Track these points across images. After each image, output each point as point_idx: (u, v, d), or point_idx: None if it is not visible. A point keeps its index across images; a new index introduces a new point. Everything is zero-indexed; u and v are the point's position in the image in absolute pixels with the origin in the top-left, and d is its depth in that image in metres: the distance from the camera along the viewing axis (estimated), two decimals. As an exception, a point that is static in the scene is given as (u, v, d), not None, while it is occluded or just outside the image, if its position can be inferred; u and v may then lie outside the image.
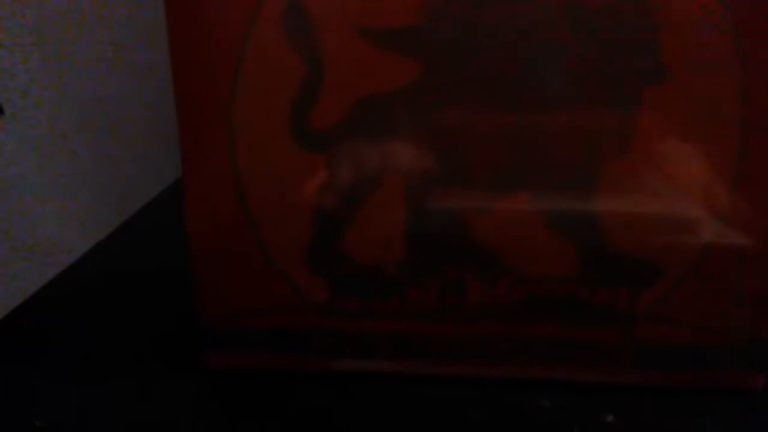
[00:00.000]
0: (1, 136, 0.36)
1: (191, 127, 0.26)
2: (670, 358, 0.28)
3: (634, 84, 0.25)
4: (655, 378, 0.28)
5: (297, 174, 0.27)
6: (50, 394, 0.29)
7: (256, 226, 0.27)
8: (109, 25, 0.46)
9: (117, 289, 0.38)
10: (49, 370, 0.31)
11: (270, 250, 0.28)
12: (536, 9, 0.24)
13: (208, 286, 0.29)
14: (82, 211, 0.44)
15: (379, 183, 0.26)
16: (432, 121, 0.26)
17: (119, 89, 0.47)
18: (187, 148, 0.27)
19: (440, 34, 0.25)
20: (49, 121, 0.40)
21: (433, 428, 0.27)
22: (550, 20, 0.24)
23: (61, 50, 0.41)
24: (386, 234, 0.27)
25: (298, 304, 0.29)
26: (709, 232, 0.26)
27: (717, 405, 0.28)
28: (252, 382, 0.30)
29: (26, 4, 0.38)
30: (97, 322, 0.35)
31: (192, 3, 0.25)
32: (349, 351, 0.29)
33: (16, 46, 0.38)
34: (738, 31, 0.24)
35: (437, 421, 0.27)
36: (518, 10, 0.24)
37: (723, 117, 0.25)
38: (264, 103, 0.26)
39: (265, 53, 0.25)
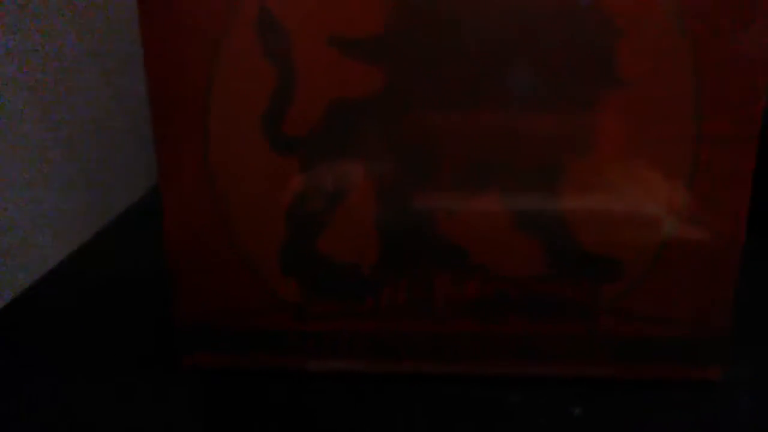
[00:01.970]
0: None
1: (166, 132, 0.27)
2: (633, 351, 0.29)
3: (592, 88, 0.26)
4: (619, 371, 0.29)
5: (271, 178, 0.27)
6: (31, 395, 0.30)
7: (231, 229, 0.28)
8: (90, 29, 0.46)
9: (95, 294, 0.38)
10: (30, 374, 0.31)
11: (245, 252, 0.28)
12: (498, 17, 0.25)
13: (185, 287, 0.29)
14: (58, 217, 0.44)
15: (351, 185, 0.27)
16: (401, 125, 0.27)
17: (96, 95, 0.48)
18: (162, 153, 0.27)
19: (406, 42, 0.25)
20: (26, 126, 0.40)
21: (406, 424, 0.28)
22: (512, 27, 0.25)
23: (36, 55, 0.41)
24: (359, 235, 0.28)
25: (274, 305, 0.29)
26: (667, 229, 0.27)
27: (677, 396, 0.29)
28: (229, 381, 0.30)
29: (20, 6, 0.38)
30: (76, 326, 0.35)
31: (166, 10, 0.25)
32: (324, 351, 0.30)
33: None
34: (691, 38, 0.25)
35: (409, 417, 0.28)
36: (481, 18, 0.25)
37: (678, 119, 0.26)
38: (238, 108, 0.26)
39: (238, 60, 0.26)
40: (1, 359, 0.32)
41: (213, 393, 0.30)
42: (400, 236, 0.28)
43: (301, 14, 0.25)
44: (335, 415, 0.28)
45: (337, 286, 0.29)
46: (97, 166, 0.48)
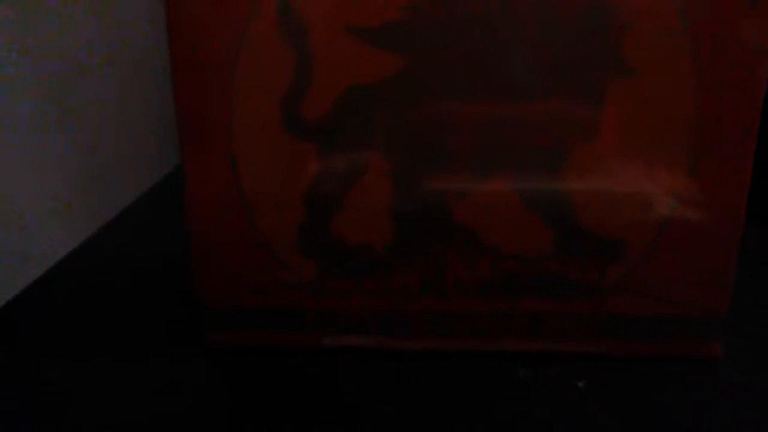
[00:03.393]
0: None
1: (190, 120, 0.28)
2: (636, 329, 0.30)
3: (599, 77, 0.27)
4: (622, 348, 0.31)
5: (289, 162, 0.29)
6: (54, 372, 0.31)
7: (251, 212, 0.29)
8: (97, 22, 0.46)
9: (112, 281, 0.39)
10: (56, 352, 0.32)
11: (264, 232, 0.30)
12: (512, 6, 0.26)
13: (207, 268, 0.30)
14: (68, 209, 0.43)
15: (366, 168, 0.28)
16: (415, 110, 0.28)
17: (104, 87, 0.48)
18: (186, 140, 0.29)
19: (422, 30, 0.27)
20: (32, 119, 0.40)
21: (417, 399, 0.29)
22: (524, 17, 0.26)
23: (44, 45, 0.41)
24: (374, 216, 0.29)
25: (291, 285, 0.30)
26: (668, 211, 0.28)
27: (679, 372, 0.30)
28: (251, 358, 0.31)
29: (18, 2, 0.38)
30: (98, 311, 0.36)
31: (191, 1, 0.26)
32: (339, 328, 0.31)
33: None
34: (692, 24, 0.26)
35: (421, 392, 0.29)
36: (494, 8, 0.26)
37: (679, 104, 0.27)
38: (260, 95, 0.28)
39: (259, 49, 0.27)
40: (23, 343, 0.33)
41: (236, 369, 0.31)
42: (413, 218, 0.29)
43: (319, 2, 0.26)
44: (349, 389, 0.30)
45: (350, 265, 0.30)
46: (106, 159, 0.48)
